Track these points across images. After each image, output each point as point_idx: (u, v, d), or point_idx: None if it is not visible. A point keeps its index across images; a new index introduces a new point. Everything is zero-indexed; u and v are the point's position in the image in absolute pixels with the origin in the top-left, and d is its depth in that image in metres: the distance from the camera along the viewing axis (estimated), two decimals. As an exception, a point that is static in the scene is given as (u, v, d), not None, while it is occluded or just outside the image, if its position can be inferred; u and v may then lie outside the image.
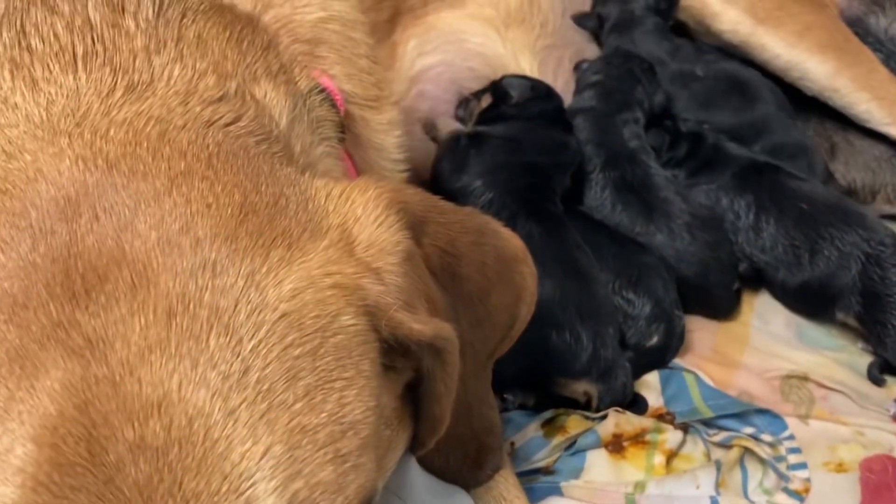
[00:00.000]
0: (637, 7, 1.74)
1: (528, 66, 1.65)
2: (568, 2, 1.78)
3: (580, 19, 1.77)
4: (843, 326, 1.44)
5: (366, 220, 0.77)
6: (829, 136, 1.72)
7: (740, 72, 1.70)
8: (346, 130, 1.09)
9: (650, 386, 1.31)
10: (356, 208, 0.77)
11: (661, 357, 1.35)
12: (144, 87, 0.80)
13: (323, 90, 0.98)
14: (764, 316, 1.48)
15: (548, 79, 1.67)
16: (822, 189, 1.49)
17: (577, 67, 1.70)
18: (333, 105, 0.99)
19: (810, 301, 1.45)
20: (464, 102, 1.54)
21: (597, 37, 1.78)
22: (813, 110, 1.73)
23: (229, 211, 0.70)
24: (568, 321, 1.25)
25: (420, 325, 0.74)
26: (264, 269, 0.68)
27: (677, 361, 1.36)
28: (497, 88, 1.49)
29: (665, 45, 1.74)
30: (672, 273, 1.39)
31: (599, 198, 1.48)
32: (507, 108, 1.47)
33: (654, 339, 1.34)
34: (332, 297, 0.70)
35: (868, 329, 1.39)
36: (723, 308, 1.47)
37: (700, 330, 1.44)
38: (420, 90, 1.54)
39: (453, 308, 0.89)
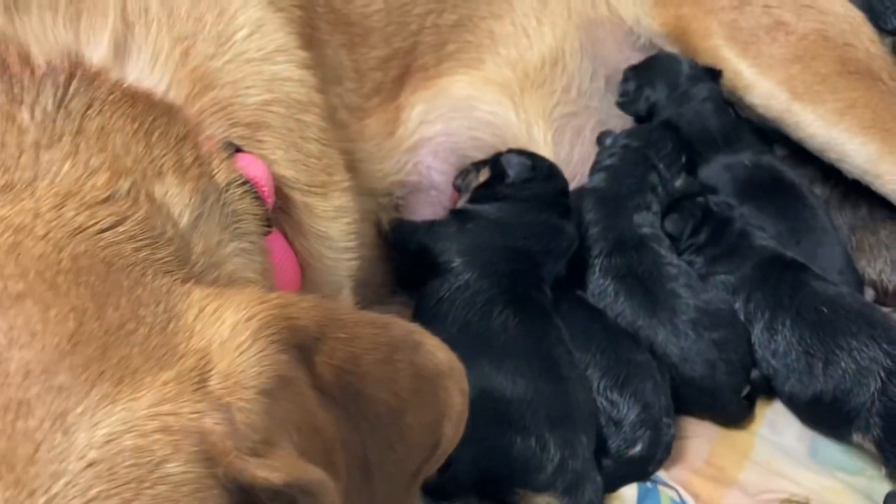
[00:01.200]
0: (683, 79, 1.62)
1: (541, 136, 1.56)
2: (599, 64, 1.68)
3: (626, 106, 1.64)
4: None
5: (230, 345, 0.69)
6: (877, 227, 1.58)
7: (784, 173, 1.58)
8: (285, 219, 1.04)
9: (624, 501, 1.20)
10: (224, 330, 0.70)
11: (642, 468, 1.23)
12: (23, 187, 0.75)
13: (246, 182, 0.92)
14: (776, 425, 1.34)
15: (563, 151, 1.58)
16: (849, 295, 1.35)
17: (600, 140, 1.60)
18: (258, 197, 0.93)
19: (823, 418, 1.31)
20: (463, 173, 1.45)
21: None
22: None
23: (55, 341, 0.64)
24: (535, 426, 1.15)
25: (268, 470, 0.67)
26: (79, 410, 0.61)
27: (661, 474, 1.24)
28: (496, 164, 1.41)
29: (719, 122, 1.60)
30: (666, 376, 1.28)
31: (601, 285, 1.38)
32: (503, 186, 1.38)
33: (638, 448, 1.22)
34: (158, 443, 0.63)
35: (887, 457, 1.24)
36: (730, 415, 1.34)
37: (697, 436, 1.32)
38: (417, 162, 1.47)
39: (356, 431, 0.82)
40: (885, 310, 1.50)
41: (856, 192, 1.58)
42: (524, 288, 1.28)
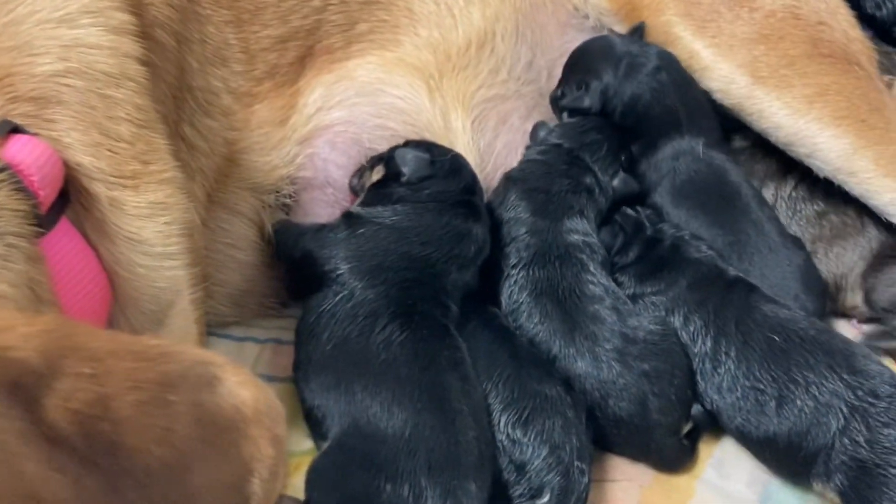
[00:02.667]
0: (622, 54, 1.39)
1: (459, 123, 1.36)
2: (539, 50, 1.48)
3: (575, 107, 1.39)
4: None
5: None
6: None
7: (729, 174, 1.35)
8: (86, 217, 0.85)
9: (526, 564, 1.00)
10: None
11: (552, 522, 1.03)
12: None
13: (6, 169, 0.74)
14: (723, 467, 1.14)
15: (484, 139, 1.38)
16: (804, 319, 1.13)
17: (534, 131, 1.39)
18: (21, 189, 0.74)
19: (777, 462, 1.10)
20: (359, 171, 1.25)
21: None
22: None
23: None
24: (411, 470, 0.94)
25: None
26: None
27: (575, 529, 1.03)
28: (390, 161, 1.21)
29: (679, 93, 1.36)
30: (582, 413, 1.07)
31: (515, 301, 1.18)
32: (398, 186, 1.18)
33: (545, 499, 1.02)
34: None
35: (851, 510, 1.02)
36: (668, 459, 1.13)
37: (626, 480, 1.11)
38: (311, 154, 1.27)
39: (115, 494, 0.63)
40: (855, 330, 1.30)
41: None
42: (418, 301, 1.08)
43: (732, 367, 1.10)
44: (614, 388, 1.10)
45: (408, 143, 1.23)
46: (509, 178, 1.30)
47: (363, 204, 1.19)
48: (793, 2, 1.40)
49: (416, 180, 1.17)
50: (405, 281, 1.10)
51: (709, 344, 1.13)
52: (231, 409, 0.69)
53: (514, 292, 1.18)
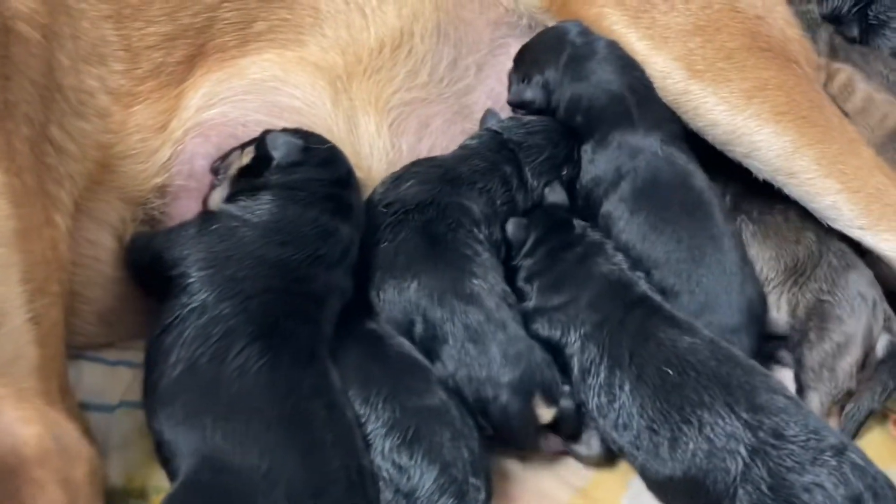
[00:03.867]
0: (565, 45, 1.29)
1: (372, 127, 1.25)
2: (466, 49, 1.38)
3: (520, 104, 1.32)
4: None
5: None
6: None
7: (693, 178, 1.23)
8: None
9: None
10: None
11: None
12: None
13: None
14: (640, 498, 1.02)
15: (405, 142, 1.29)
16: (706, 348, 1.01)
17: (484, 117, 1.32)
18: None
19: (682, 504, 0.98)
20: (225, 155, 1.13)
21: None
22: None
23: None
24: (269, 509, 0.84)
25: None
26: None
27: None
28: (261, 144, 1.09)
29: (625, 83, 1.25)
30: (469, 419, 0.98)
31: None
32: (268, 173, 1.06)
33: (440, 526, 0.91)
34: None
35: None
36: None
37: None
38: (187, 156, 1.16)
39: None
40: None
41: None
42: (281, 318, 0.97)
43: (627, 402, 0.99)
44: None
45: (275, 130, 1.12)
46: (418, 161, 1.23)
47: (228, 197, 1.07)
48: (730, -5, 1.30)
49: (286, 165, 1.06)
50: (266, 291, 0.98)
51: (603, 375, 1.02)
52: (8, 449, 0.58)
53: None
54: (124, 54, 1.16)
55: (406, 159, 1.25)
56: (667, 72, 1.24)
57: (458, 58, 1.36)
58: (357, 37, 1.29)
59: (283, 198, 1.04)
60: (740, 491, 0.90)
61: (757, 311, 1.15)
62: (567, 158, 1.24)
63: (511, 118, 1.30)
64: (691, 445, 0.93)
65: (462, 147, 1.24)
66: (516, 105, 1.32)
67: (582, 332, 1.05)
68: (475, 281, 1.04)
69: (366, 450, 0.93)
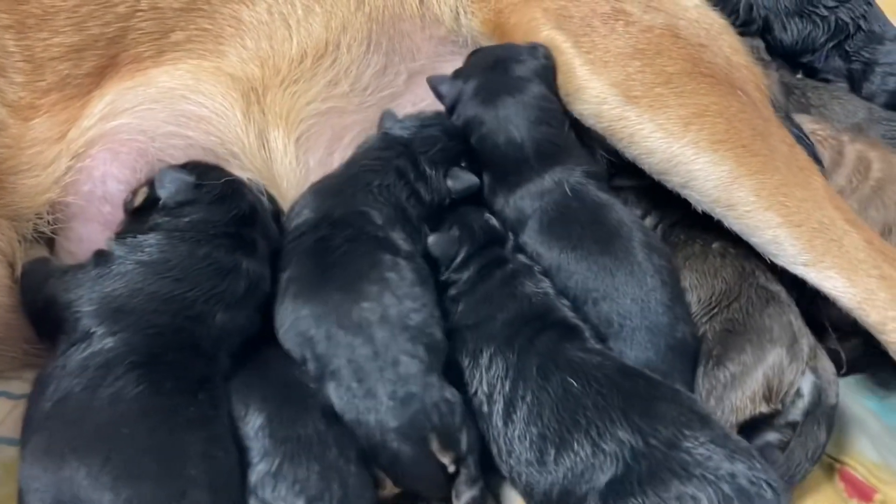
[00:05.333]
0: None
1: (280, 140, 1.20)
2: (399, 59, 1.32)
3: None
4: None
5: None
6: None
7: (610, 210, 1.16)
8: None
9: None
10: None
11: None
12: None
13: None
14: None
15: (314, 156, 1.23)
16: (618, 366, 0.95)
17: (380, 121, 1.24)
18: None
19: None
20: (132, 194, 1.08)
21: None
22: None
23: None
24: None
25: None
26: None
27: None
28: (152, 184, 1.04)
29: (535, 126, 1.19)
30: (351, 446, 0.92)
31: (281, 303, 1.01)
32: (155, 213, 1.01)
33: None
34: None
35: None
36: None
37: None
38: (86, 169, 1.09)
39: None
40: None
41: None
42: (168, 350, 0.91)
43: (525, 415, 0.94)
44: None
45: (186, 165, 1.07)
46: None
47: (118, 234, 1.01)
48: (672, 21, 1.25)
49: (173, 205, 1.00)
50: (152, 326, 0.92)
51: (506, 389, 0.96)
52: None
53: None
54: (26, 66, 1.10)
55: (315, 175, 1.19)
56: (602, 97, 1.18)
57: (388, 65, 1.31)
58: (279, 48, 1.24)
59: (171, 238, 0.98)
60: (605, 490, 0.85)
61: (690, 353, 1.07)
62: (464, 152, 1.18)
63: (408, 116, 1.24)
64: (575, 447, 0.89)
65: (351, 156, 1.18)
66: (433, 89, 1.26)
67: (492, 349, 0.99)
68: (365, 305, 0.96)
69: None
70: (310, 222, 1.05)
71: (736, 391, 1.04)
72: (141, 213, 1.03)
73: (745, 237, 1.15)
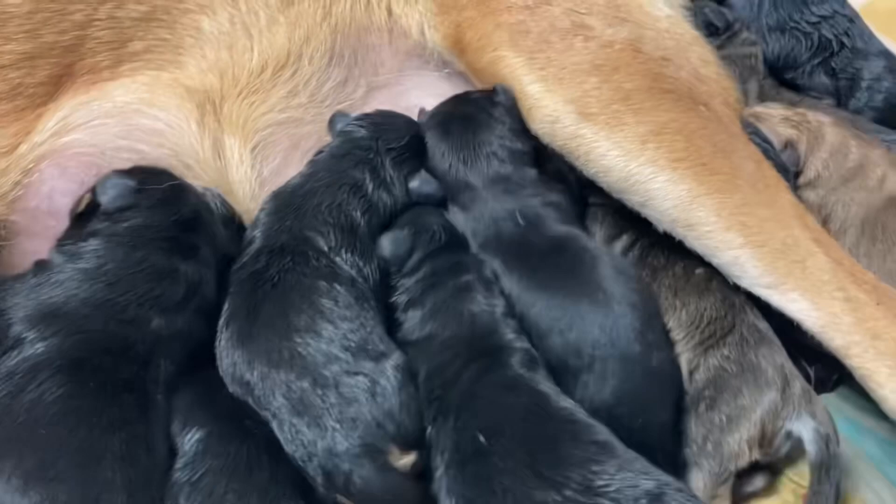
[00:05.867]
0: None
1: (236, 149, 1.18)
2: (361, 72, 1.30)
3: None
4: None
5: None
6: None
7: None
8: None
9: None
10: None
11: None
12: None
13: None
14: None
15: (270, 165, 1.22)
16: (526, 404, 0.90)
17: (331, 122, 1.24)
18: None
19: None
20: (76, 202, 1.07)
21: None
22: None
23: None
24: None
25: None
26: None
27: None
28: (94, 190, 1.03)
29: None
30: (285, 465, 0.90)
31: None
32: (95, 219, 1.00)
33: None
34: None
35: None
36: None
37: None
38: (34, 184, 1.08)
39: None
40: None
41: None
42: (98, 354, 0.90)
43: (446, 481, 0.89)
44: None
45: (131, 170, 1.05)
46: None
47: (59, 242, 1.00)
48: (635, 35, 1.23)
49: (114, 210, 0.99)
50: (83, 331, 0.91)
51: (430, 430, 0.93)
52: None
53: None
54: (-27, 73, 1.09)
55: (269, 184, 1.18)
56: (556, 115, 1.16)
57: (349, 78, 1.29)
58: (239, 58, 1.23)
59: (110, 243, 0.97)
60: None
61: (668, 380, 1.03)
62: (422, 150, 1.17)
63: (361, 114, 1.22)
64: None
65: (308, 163, 1.15)
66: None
67: (424, 372, 0.96)
68: (297, 338, 0.93)
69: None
70: (251, 252, 1.03)
71: (733, 434, 1.01)
72: (83, 219, 1.02)
73: (706, 258, 1.13)
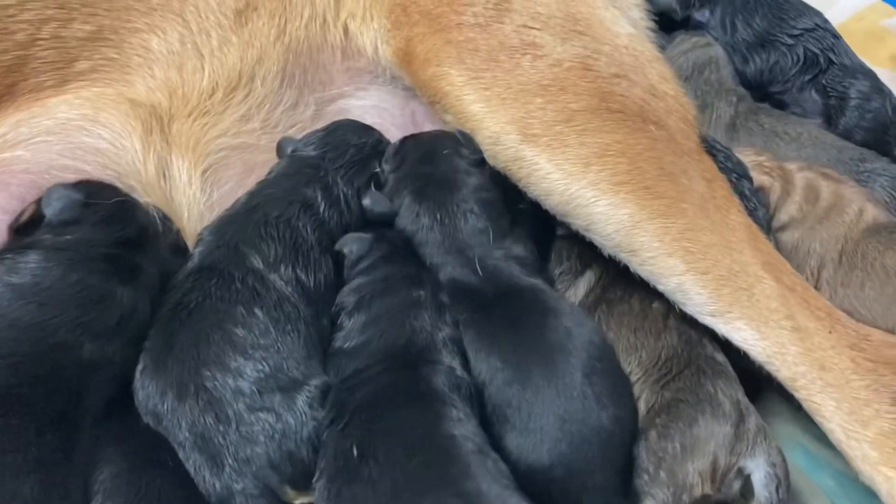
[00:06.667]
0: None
1: (185, 171, 1.17)
2: (312, 93, 1.29)
3: None
4: None
5: None
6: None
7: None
8: None
9: None
10: None
11: None
12: None
13: None
14: None
15: (222, 188, 1.20)
16: (421, 443, 0.86)
17: (279, 147, 1.22)
18: None
19: None
20: (21, 213, 1.05)
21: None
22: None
23: None
24: None
25: None
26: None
27: None
28: (39, 201, 1.02)
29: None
30: None
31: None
32: (38, 232, 0.99)
33: None
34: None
35: None
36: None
37: None
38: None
39: None
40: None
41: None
42: (26, 381, 0.88)
43: (318, 490, 0.86)
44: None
45: (79, 183, 1.05)
46: None
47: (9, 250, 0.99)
48: (587, 52, 1.20)
49: (57, 223, 0.98)
50: (11, 355, 0.89)
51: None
52: None
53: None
54: (-87, 92, 1.10)
55: (220, 208, 1.16)
56: (497, 136, 1.14)
57: (299, 100, 1.28)
58: (189, 78, 1.22)
59: (49, 258, 0.95)
60: None
61: (612, 442, 0.96)
62: (374, 150, 1.15)
63: (308, 133, 1.21)
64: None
65: (258, 183, 1.14)
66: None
67: (341, 378, 0.94)
68: (205, 373, 0.91)
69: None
70: (184, 273, 1.01)
71: (688, 463, 0.96)
72: (25, 231, 1.00)
73: (652, 285, 1.10)
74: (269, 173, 1.16)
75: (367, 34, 1.31)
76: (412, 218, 1.11)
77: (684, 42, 1.58)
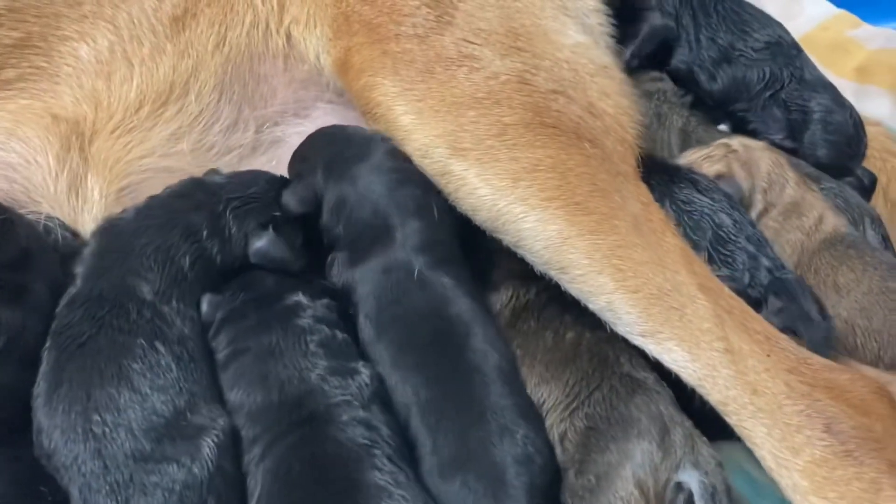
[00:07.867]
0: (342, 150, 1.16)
1: (97, 192, 1.14)
2: (251, 108, 1.26)
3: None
4: None
5: None
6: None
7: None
8: None
9: None
10: None
11: None
12: None
13: None
14: None
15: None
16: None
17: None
18: None
19: None
20: None
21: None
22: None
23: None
24: None
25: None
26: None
27: None
28: None
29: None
30: None
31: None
32: None
33: None
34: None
35: None
36: None
37: None
38: None
39: None
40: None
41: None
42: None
43: None
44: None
45: None
46: None
47: None
48: (525, 67, 1.17)
49: None
50: None
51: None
52: None
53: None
54: None
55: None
56: (425, 149, 1.11)
57: (238, 119, 1.25)
58: (116, 90, 1.19)
59: None
60: None
61: (530, 470, 0.94)
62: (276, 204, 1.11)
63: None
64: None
65: (146, 199, 1.10)
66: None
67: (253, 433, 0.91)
68: (95, 417, 0.87)
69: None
70: (69, 297, 0.98)
71: (605, 495, 0.93)
72: None
73: (583, 303, 1.06)
74: (164, 190, 1.12)
75: (310, 41, 1.28)
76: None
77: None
